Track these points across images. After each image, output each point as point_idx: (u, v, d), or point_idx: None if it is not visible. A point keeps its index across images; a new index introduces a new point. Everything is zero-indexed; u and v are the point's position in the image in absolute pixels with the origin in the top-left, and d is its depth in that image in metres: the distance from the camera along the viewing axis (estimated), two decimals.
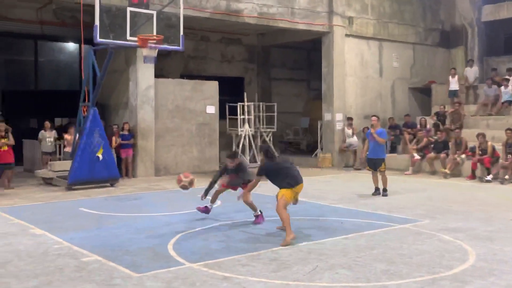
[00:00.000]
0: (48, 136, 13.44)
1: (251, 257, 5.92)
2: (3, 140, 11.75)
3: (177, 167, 14.39)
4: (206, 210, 8.16)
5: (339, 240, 6.73)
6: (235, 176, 7.96)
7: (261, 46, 19.22)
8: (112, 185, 11.88)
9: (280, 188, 6.94)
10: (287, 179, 6.94)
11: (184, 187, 7.94)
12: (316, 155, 16.96)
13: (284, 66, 19.97)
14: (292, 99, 19.75)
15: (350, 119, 16.40)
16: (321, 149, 16.95)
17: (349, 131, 16.23)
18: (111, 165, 11.95)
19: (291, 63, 20.18)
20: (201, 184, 11.81)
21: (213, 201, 8.18)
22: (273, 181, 7.06)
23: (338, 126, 16.39)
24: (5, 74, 15.72)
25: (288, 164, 7.24)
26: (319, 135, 17.22)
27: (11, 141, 11.91)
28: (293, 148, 19.26)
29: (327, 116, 16.59)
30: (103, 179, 11.78)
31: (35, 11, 14.14)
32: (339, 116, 16.40)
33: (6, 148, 11.75)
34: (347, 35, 16.73)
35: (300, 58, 20.39)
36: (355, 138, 16.16)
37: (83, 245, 6.50)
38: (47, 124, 13.59)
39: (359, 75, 17.30)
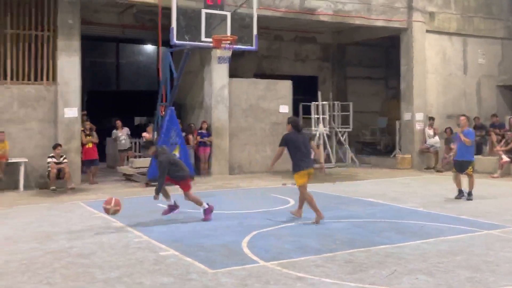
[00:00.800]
0: (120, 134, 14.06)
1: (325, 258, 5.79)
2: (88, 138, 12.45)
3: (251, 166, 14.51)
4: (171, 209, 7.91)
5: (419, 244, 6.42)
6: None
7: (336, 44, 18.90)
8: None
9: (293, 171, 7.64)
10: (300, 160, 7.53)
11: (106, 210, 7.46)
12: (394, 156, 16.41)
13: (360, 64, 19.51)
14: (369, 98, 19.26)
15: (431, 119, 15.73)
16: (400, 150, 16.37)
17: (430, 132, 15.56)
18: (187, 163, 12.21)
19: (368, 61, 19.67)
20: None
21: (166, 197, 7.90)
22: (291, 154, 7.60)
23: (418, 126, 15.74)
24: (90, 75, 16.63)
25: (307, 144, 7.76)
26: (397, 135, 16.65)
27: (95, 138, 12.59)
28: (369, 148, 18.78)
29: (406, 116, 15.99)
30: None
31: (117, 15, 14.83)
32: (419, 116, 15.75)
33: (91, 145, 12.45)
34: (428, 31, 16.01)
35: (378, 56, 19.83)
36: (436, 138, 15.47)
37: (161, 239, 6.68)
38: (119, 123, 14.21)
39: (441, 72, 16.49)
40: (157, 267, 5.49)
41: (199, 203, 7.89)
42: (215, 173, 13.77)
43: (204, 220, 7.79)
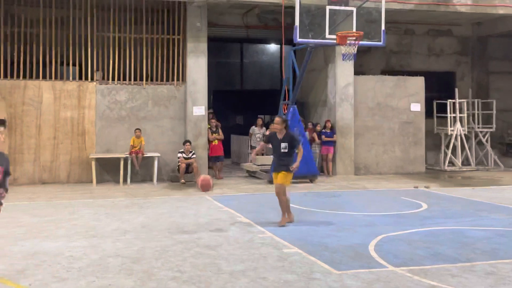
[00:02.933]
0: (257, 132, 14.26)
1: (463, 267, 5.31)
2: (214, 135, 12.91)
3: (378, 167, 13.92)
4: None
5: None
6: None
7: (477, 37, 17.31)
8: (311, 182, 12.01)
9: (284, 170, 7.45)
10: (291, 161, 7.48)
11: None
12: None
13: (506, 58, 17.63)
14: None
15: None
16: None
17: None
18: (310, 162, 12.06)
19: None
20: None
21: None
22: (292, 153, 7.46)
23: None
24: (215, 75, 17.30)
25: None
26: None
27: (221, 136, 13.01)
28: None
29: None
30: (302, 175, 11.96)
31: (241, 17, 15.18)
32: None
33: (216, 142, 12.89)
34: None
35: None
36: None
37: (284, 236, 6.63)
38: (259, 121, 14.35)
39: None
40: (281, 264, 5.44)
41: None
42: (339, 173, 13.43)
43: None
